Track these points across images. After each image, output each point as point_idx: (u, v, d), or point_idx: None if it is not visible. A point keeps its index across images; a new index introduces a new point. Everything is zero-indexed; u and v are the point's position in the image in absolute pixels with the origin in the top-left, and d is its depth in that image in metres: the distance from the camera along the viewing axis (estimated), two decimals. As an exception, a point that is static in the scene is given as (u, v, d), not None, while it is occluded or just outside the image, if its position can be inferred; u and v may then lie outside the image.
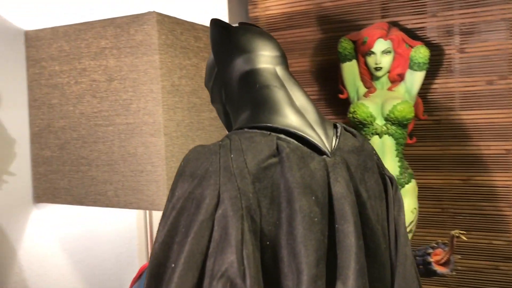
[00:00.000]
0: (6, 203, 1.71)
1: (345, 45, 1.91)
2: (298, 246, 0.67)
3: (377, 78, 1.90)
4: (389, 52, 1.85)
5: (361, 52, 1.90)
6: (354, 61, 1.93)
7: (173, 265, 0.64)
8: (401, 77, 1.88)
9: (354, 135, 0.85)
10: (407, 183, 1.83)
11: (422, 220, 2.09)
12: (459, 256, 1.74)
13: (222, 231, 0.64)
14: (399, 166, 1.83)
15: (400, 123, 1.79)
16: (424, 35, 2.03)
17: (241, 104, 0.82)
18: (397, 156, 1.83)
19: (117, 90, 1.70)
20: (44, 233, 1.83)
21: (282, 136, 0.74)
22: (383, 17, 2.11)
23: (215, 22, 0.87)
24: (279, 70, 0.83)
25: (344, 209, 0.71)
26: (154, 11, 1.64)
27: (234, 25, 0.89)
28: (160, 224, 0.69)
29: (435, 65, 2.01)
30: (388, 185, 0.84)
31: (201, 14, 2.28)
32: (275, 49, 0.85)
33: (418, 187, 1.97)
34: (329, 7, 2.20)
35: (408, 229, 1.78)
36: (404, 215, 0.86)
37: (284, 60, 0.86)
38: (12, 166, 1.78)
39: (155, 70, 1.64)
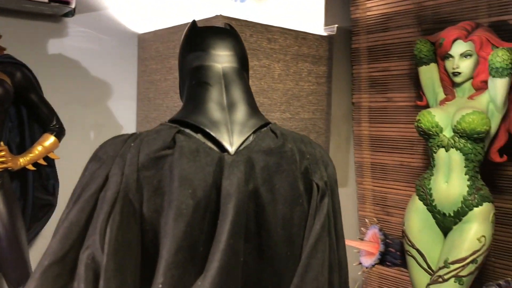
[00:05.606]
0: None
1: (421, 47, 1.73)
2: (165, 234, 0.71)
3: (459, 84, 1.68)
4: (470, 55, 1.60)
5: (439, 55, 1.70)
6: (432, 65, 1.74)
7: (57, 231, 0.74)
8: (487, 85, 1.62)
9: (277, 136, 0.82)
10: (476, 206, 1.55)
11: (503, 250, 1.83)
12: None
13: (99, 210, 0.72)
14: (468, 186, 1.55)
15: (469, 137, 1.52)
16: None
17: (183, 98, 0.88)
18: (466, 174, 1.56)
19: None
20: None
21: (187, 130, 0.77)
22: (489, 15, 1.85)
23: (190, 23, 0.93)
24: (226, 68, 0.86)
25: (226, 207, 0.72)
26: (220, 15, 1.76)
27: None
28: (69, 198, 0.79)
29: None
30: (314, 192, 0.80)
31: (298, 18, 2.32)
32: (227, 48, 0.88)
33: (500, 213, 1.69)
34: (430, 6, 2.02)
35: (470, 259, 1.54)
36: (323, 226, 0.79)
37: (235, 58, 0.88)
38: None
39: (217, 70, 1.76)
